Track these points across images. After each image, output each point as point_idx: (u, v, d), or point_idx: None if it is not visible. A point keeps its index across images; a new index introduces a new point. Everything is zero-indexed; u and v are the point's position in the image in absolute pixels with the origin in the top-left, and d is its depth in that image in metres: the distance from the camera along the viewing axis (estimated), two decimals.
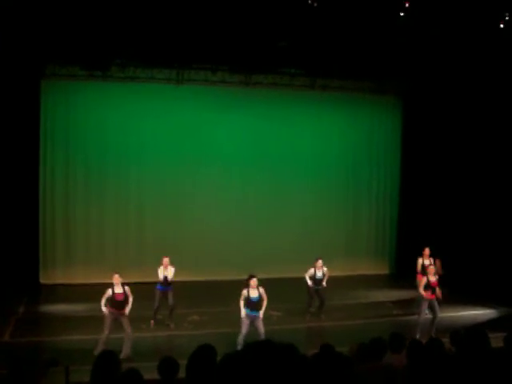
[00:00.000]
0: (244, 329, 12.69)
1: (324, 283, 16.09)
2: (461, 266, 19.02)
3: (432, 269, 14.74)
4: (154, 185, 20.53)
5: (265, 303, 12.94)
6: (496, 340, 6.86)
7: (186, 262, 19.42)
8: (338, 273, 21.08)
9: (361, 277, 21.54)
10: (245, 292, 12.85)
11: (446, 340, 6.99)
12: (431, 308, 14.37)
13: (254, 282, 12.89)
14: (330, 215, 22.40)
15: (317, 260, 16.15)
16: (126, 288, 12.93)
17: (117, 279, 12.86)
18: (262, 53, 17.64)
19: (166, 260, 15.10)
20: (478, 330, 6.33)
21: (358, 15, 15.42)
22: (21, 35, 15.80)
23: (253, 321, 12.76)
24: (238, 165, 21.03)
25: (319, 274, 16.05)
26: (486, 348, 5.94)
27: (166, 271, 15.01)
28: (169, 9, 14.92)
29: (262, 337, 12.39)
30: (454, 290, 17.83)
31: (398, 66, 19.26)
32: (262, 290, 12.96)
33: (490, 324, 15.07)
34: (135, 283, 16.82)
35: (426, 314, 14.49)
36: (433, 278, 14.43)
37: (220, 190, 20.92)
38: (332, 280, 16.33)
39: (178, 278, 15.75)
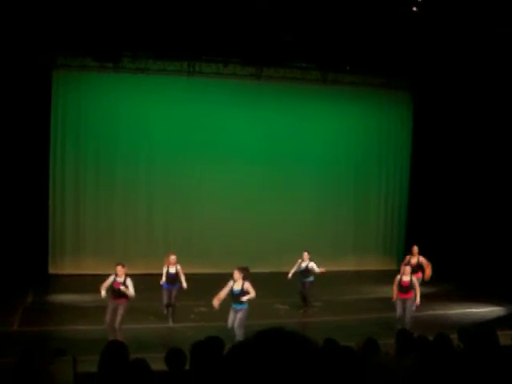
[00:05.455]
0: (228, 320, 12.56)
1: (307, 279, 15.88)
2: (470, 262, 18.96)
3: (407, 269, 14.37)
4: (164, 176, 20.57)
5: (250, 296, 12.51)
6: (504, 337, 6.84)
7: (195, 253, 19.49)
8: (346, 268, 21.14)
9: (369, 272, 21.52)
10: (230, 283, 12.66)
11: (454, 336, 6.97)
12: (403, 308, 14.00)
13: (235, 274, 12.64)
14: (339, 210, 22.38)
15: (303, 252, 16.09)
16: (128, 281, 12.70)
17: (119, 271, 12.71)
18: (274, 46, 17.61)
19: (173, 258, 14.77)
20: (487, 327, 6.31)
21: (370, 10, 15.37)
22: (32, 26, 15.82)
23: (235, 313, 12.56)
24: (248, 158, 21.01)
25: (303, 266, 15.91)
26: (494, 345, 5.91)
27: (173, 269, 14.72)
28: (181, 1, 14.92)
29: (236, 334, 12.20)
30: (462, 287, 17.80)
31: (409, 62, 19.19)
32: (247, 284, 12.59)
33: (498, 321, 15.01)
34: (144, 274, 16.93)
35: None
36: (406, 278, 14.09)
37: (230, 183, 20.92)
38: (340, 275, 16.33)
39: (186, 271, 15.75)
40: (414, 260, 16.67)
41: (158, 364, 6.32)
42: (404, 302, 13.99)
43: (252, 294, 12.53)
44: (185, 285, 14.47)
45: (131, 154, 20.28)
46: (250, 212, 21.21)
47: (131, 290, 12.61)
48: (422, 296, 16.32)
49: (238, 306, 12.54)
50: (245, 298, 12.46)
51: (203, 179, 20.74)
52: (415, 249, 16.97)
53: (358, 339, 7.53)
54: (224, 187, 20.88)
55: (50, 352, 6.74)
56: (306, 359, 1.66)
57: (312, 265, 15.87)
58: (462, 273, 18.51)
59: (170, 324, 14.47)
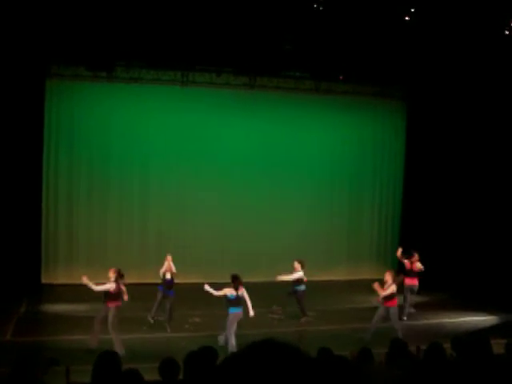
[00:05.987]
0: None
1: (297, 287, 15.66)
2: (463, 271, 18.99)
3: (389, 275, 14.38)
4: (158, 186, 20.56)
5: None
6: (497, 346, 6.84)
7: (189, 263, 19.42)
8: (340, 277, 21.12)
9: (363, 281, 21.46)
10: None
11: (447, 346, 6.98)
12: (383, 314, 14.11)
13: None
14: (333, 219, 22.38)
15: (293, 261, 15.96)
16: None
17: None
18: (267, 55, 17.66)
19: (169, 258, 14.93)
20: (480, 335, 6.31)
21: (363, 19, 15.44)
22: (26, 35, 15.82)
23: None
24: (242, 167, 21.03)
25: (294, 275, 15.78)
26: (487, 354, 5.91)
27: (168, 274, 14.80)
28: (174, 10, 14.95)
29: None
30: (456, 296, 17.80)
31: (403, 71, 19.26)
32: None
33: (491, 330, 15.02)
34: (137, 284, 16.88)
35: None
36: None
37: (223, 192, 20.91)
38: (334, 284, 16.30)
39: (181, 280, 15.73)
40: (414, 266, 16.67)
41: (151, 374, 6.31)
42: (386, 309, 13.96)
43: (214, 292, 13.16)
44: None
45: (125, 164, 20.26)
46: (244, 221, 21.19)
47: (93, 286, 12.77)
48: (415, 305, 16.38)
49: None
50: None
51: (197, 188, 20.71)
52: (416, 256, 16.83)
53: (352, 348, 7.54)
54: (218, 196, 20.87)
55: (44, 362, 6.71)
56: (300, 370, 1.67)
57: (296, 274, 15.65)
58: (456, 282, 18.53)
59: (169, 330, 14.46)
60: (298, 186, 21.72)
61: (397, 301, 14.18)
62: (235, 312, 12.86)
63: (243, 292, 13.10)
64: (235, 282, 12.98)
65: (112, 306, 12.70)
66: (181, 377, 5.75)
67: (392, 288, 13.91)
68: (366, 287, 20.41)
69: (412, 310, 16.50)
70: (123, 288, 13.04)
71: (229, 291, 12.94)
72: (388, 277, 14.20)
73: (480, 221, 19.56)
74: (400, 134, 23.11)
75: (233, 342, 12.51)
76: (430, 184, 21.64)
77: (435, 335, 13.96)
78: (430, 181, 21.64)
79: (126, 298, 13.02)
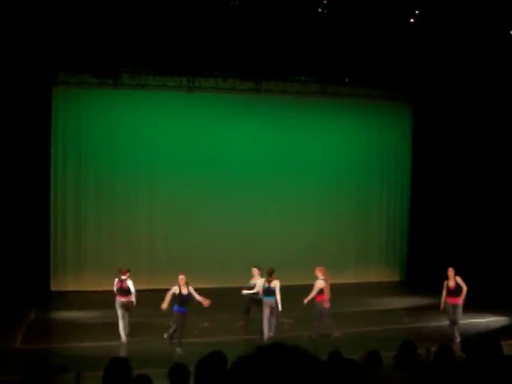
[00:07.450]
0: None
1: (255, 295, 14.75)
2: (473, 272, 18.90)
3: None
4: (165, 191, 20.57)
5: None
6: (508, 347, 6.82)
7: (197, 269, 19.41)
8: (349, 280, 21.08)
9: (372, 284, 21.48)
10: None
11: (457, 347, 6.95)
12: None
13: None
14: (341, 222, 22.37)
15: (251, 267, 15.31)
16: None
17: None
18: (273, 60, 17.66)
19: (182, 278, 13.42)
20: (491, 337, 6.28)
21: (369, 22, 15.43)
22: (33, 43, 15.89)
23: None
24: (249, 171, 21.05)
25: (252, 282, 15.04)
26: (498, 355, 5.88)
27: (185, 290, 13.39)
28: (179, 17, 14.99)
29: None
30: (465, 297, 17.73)
31: (409, 73, 19.24)
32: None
33: (501, 331, 14.95)
34: (146, 290, 16.89)
35: None
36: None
37: (230, 197, 20.92)
38: (343, 287, 16.21)
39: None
40: (451, 283, 14.93)
41: (161, 380, 6.31)
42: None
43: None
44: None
45: (132, 170, 20.30)
46: (252, 225, 21.18)
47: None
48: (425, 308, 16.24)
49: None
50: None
51: (204, 194, 20.72)
52: (451, 271, 15.02)
53: (363, 352, 7.49)
54: (225, 201, 20.87)
55: (53, 369, 6.71)
56: (309, 373, 1.67)
57: (254, 282, 14.95)
58: (465, 283, 18.44)
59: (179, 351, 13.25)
60: (305, 190, 21.70)
61: (324, 297, 14.31)
62: (265, 300, 14.03)
63: (275, 285, 14.03)
64: (268, 275, 14.10)
65: (118, 299, 13.83)
66: (191, 382, 5.75)
67: (319, 283, 14.39)
68: (374, 290, 20.47)
69: (457, 338, 14.13)
70: (129, 285, 13.98)
71: (262, 283, 14.37)
72: (319, 272, 14.53)
73: (488, 221, 19.49)
74: (406, 136, 23.09)
75: (265, 329, 13.79)
76: (437, 185, 21.60)
77: (445, 337, 13.93)
78: (437, 182, 21.60)
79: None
